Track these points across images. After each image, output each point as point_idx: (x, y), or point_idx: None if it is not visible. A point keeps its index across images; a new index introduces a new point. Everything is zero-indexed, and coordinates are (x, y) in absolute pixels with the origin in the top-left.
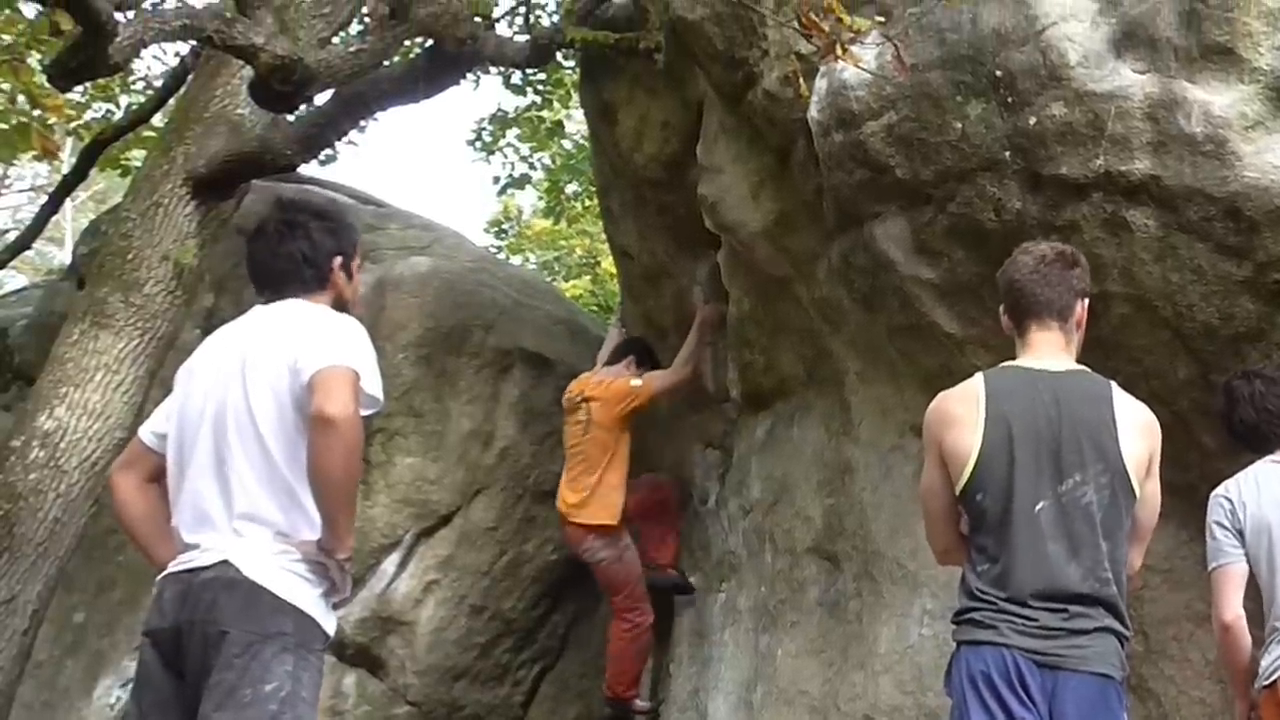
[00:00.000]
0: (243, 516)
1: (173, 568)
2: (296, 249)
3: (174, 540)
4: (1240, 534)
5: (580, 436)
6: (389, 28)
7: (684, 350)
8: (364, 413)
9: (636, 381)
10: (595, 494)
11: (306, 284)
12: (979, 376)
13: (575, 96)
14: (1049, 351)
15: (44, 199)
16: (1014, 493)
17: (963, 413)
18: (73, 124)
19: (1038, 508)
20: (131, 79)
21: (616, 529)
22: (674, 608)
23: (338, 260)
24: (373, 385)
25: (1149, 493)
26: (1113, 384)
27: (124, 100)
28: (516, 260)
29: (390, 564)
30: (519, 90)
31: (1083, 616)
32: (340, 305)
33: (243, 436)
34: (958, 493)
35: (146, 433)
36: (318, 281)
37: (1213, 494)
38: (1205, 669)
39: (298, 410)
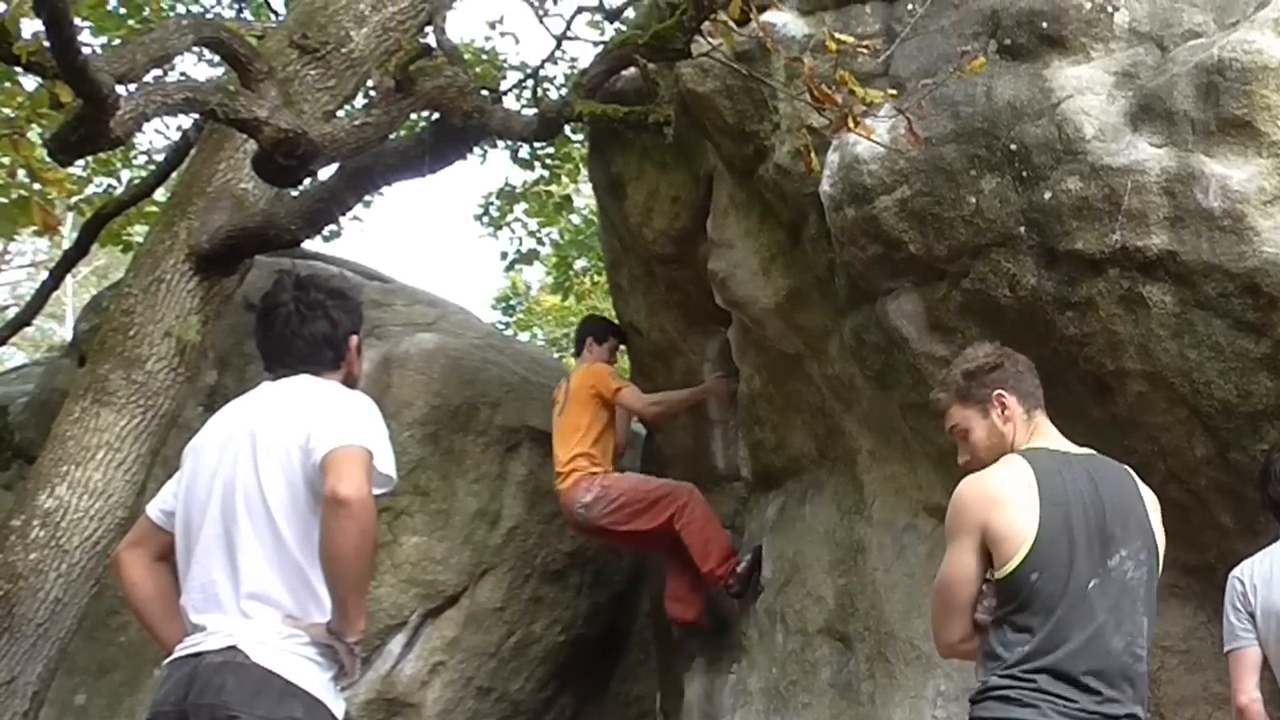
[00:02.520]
0: (251, 597)
1: (179, 651)
2: (318, 330)
3: (182, 621)
4: (1252, 616)
5: (562, 407)
6: (394, 101)
7: (668, 393)
8: (377, 492)
9: (615, 376)
10: (569, 477)
11: (324, 364)
12: (1018, 458)
13: (584, 171)
14: (1057, 436)
15: (44, 274)
16: (1073, 572)
17: (1013, 494)
18: (74, 198)
19: (1091, 585)
20: (133, 153)
21: (586, 477)
22: (683, 684)
23: (354, 340)
24: (386, 464)
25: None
26: (1126, 467)
27: (126, 174)
28: (524, 337)
29: (396, 645)
30: (527, 164)
31: (1114, 701)
32: (350, 382)
33: (252, 515)
34: (1004, 574)
35: (154, 510)
36: (335, 361)
37: (1230, 575)
38: None
39: (309, 489)
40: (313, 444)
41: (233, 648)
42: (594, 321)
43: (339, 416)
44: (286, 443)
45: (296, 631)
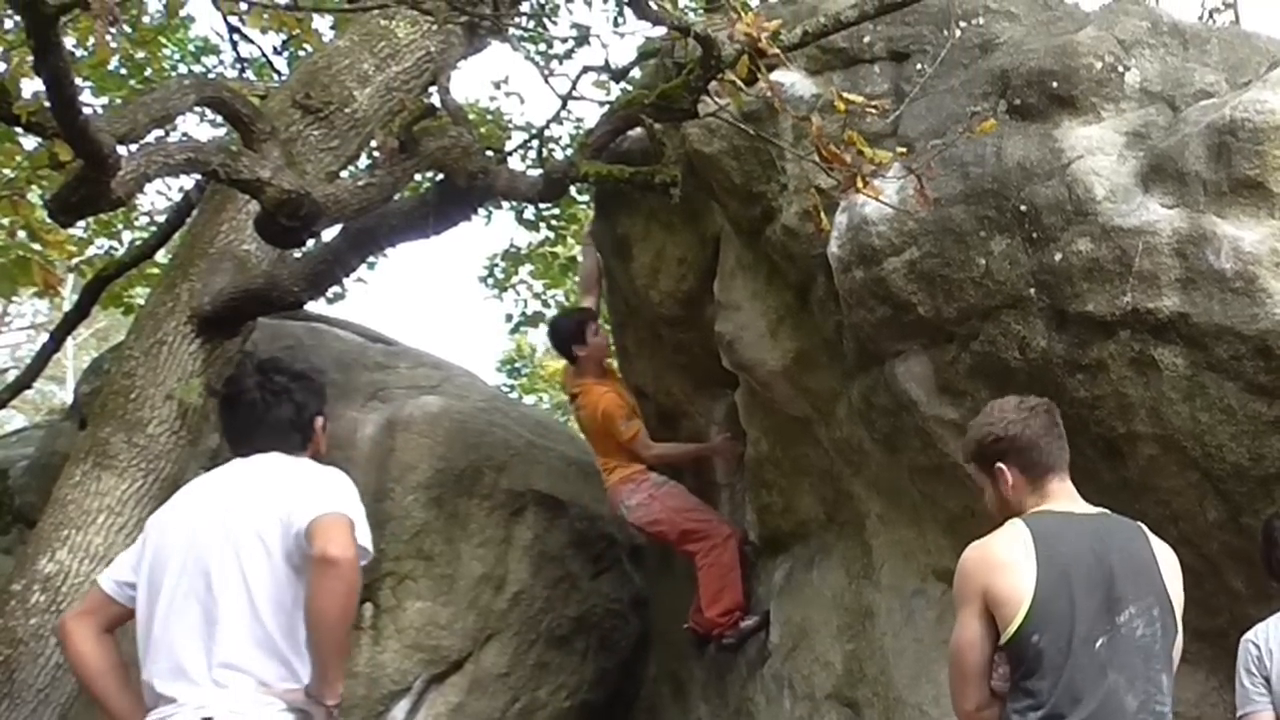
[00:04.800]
0: (224, 666)
1: None
2: (284, 415)
3: (135, 691)
4: (1267, 680)
5: (584, 428)
6: (398, 161)
7: (677, 446)
8: None
9: (624, 417)
10: (615, 472)
11: (292, 446)
12: (1019, 522)
13: (587, 234)
14: (1070, 499)
15: (44, 336)
16: (1075, 631)
17: (1011, 557)
18: (74, 260)
19: (1099, 643)
20: (135, 214)
21: (637, 474)
22: None
23: (320, 421)
24: (364, 536)
25: (1179, 632)
26: (1141, 524)
27: (127, 236)
28: (530, 400)
29: (400, 711)
30: (532, 225)
31: None
32: (317, 460)
33: (229, 589)
34: (1007, 638)
35: (109, 582)
36: (302, 444)
37: (1243, 638)
38: None
39: (287, 563)
40: (293, 517)
41: (208, 719)
42: (561, 326)
43: (318, 489)
44: (265, 518)
45: (271, 699)
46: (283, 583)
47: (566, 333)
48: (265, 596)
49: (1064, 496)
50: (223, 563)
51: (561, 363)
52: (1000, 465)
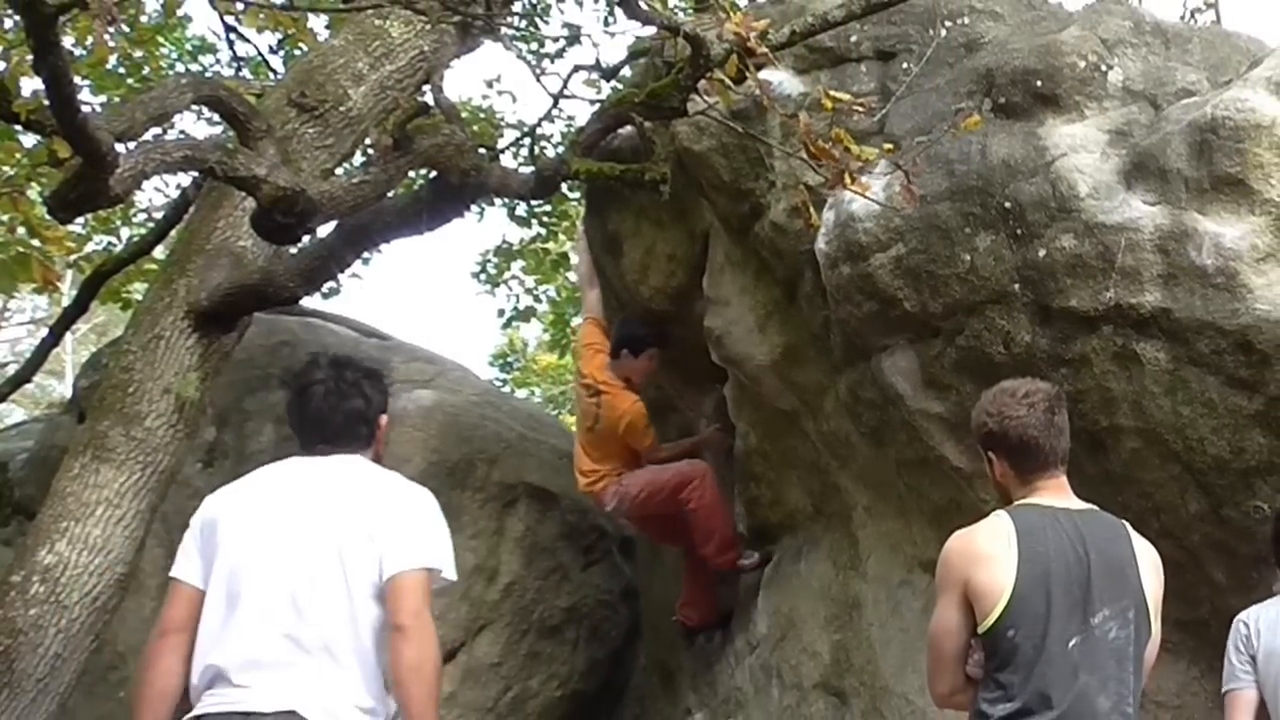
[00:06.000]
0: (310, 669)
1: (217, 707)
2: (355, 406)
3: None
4: (1253, 659)
5: (594, 424)
6: (392, 159)
7: (674, 445)
8: (437, 586)
9: (646, 427)
10: (599, 481)
11: (359, 440)
12: (1004, 515)
13: (580, 228)
14: (1059, 493)
15: (44, 332)
16: (1050, 629)
17: (993, 550)
18: (73, 256)
19: (1071, 644)
20: (133, 210)
21: (611, 480)
22: None
23: (384, 420)
24: (449, 570)
25: (1155, 631)
26: (1125, 523)
27: (125, 232)
28: (522, 394)
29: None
30: (524, 222)
31: None
32: (376, 460)
33: (331, 595)
34: (984, 630)
35: (193, 575)
36: (368, 439)
37: (1235, 618)
38: None
39: (378, 575)
40: (382, 553)
41: (291, 713)
42: (632, 327)
43: (408, 529)
44: (359, 538)
45: (347, 706)
46: (375, 598)
47: (628, 336)
48: (365, 609)
49: (1054, 491)
50: (324, 567)
51: (553, 358)
52: (991, 455)
